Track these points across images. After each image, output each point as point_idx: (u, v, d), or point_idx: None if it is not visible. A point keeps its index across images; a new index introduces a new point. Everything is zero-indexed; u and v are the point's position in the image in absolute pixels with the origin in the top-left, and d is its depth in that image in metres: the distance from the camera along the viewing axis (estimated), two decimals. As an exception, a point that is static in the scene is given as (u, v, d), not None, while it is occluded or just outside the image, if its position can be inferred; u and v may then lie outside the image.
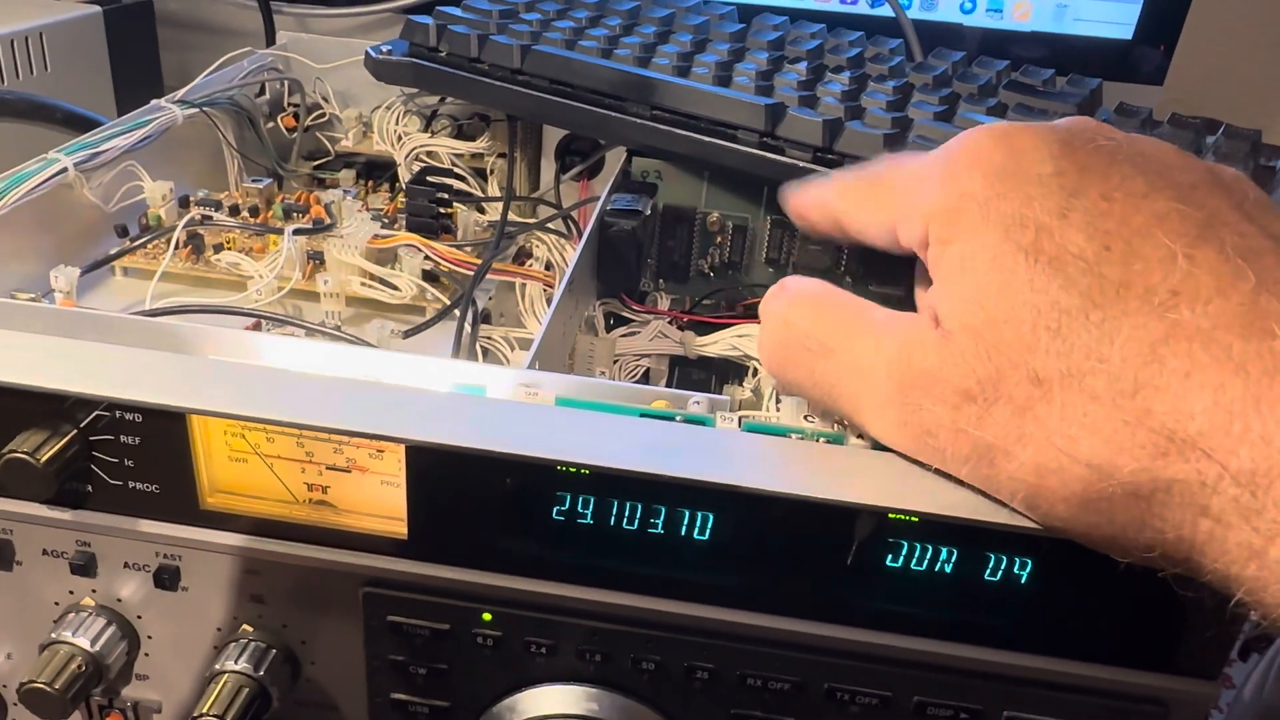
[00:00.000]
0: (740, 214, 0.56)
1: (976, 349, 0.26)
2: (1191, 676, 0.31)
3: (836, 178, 0.35)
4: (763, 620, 0.32)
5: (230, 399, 0.31)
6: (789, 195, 0.37)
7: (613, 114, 0.55)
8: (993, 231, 0.27)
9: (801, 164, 0.50)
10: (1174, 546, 0.25)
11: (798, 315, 0.32)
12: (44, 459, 0.30)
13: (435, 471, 0.31)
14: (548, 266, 0.57)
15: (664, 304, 0.54)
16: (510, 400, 0.33)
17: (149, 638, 0.36)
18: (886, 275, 0.55)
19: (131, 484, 0.32)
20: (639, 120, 0.54)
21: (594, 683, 0.33)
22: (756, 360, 0.48)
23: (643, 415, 0.32)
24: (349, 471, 0.32)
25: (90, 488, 0.33)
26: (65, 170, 0.49)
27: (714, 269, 0.57)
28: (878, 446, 0.31)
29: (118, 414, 0.31)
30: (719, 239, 0.56)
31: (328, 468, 0.32)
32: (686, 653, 0.32)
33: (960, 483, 0.29)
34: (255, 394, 0.31)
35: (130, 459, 0.32)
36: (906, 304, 0.53)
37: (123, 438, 0.32)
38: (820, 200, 0.35)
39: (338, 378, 0.32)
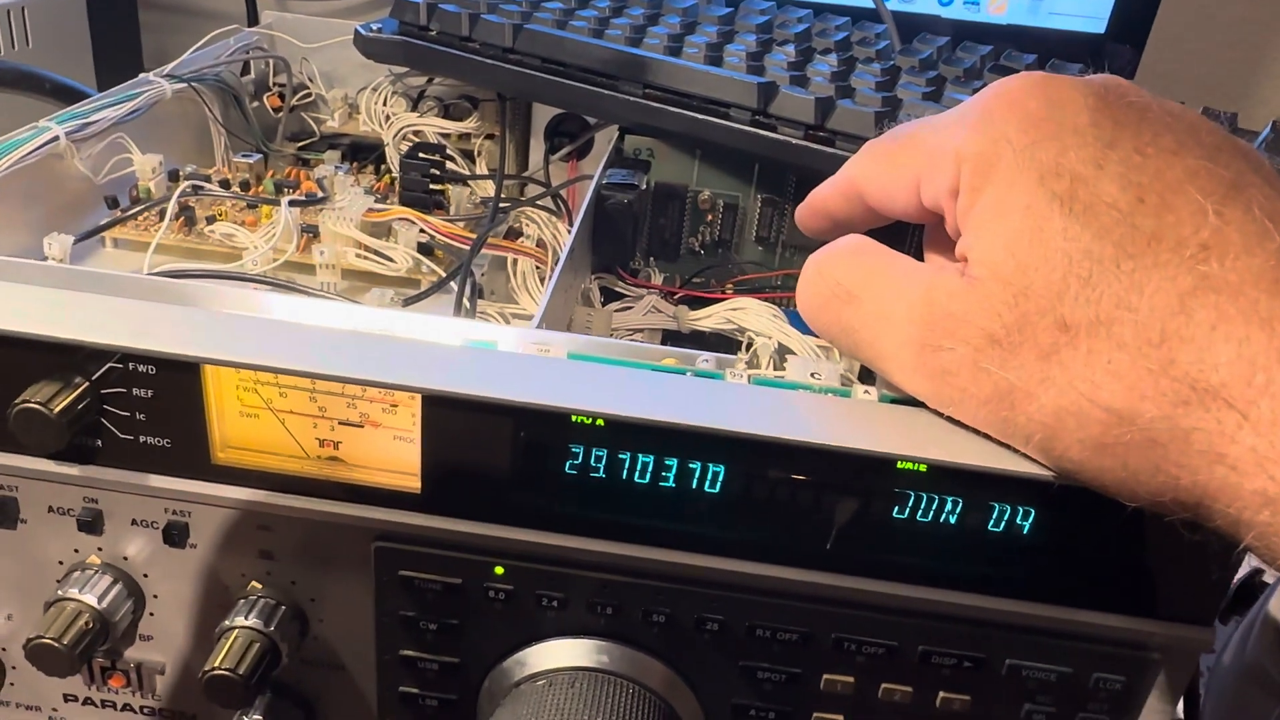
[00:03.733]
0: (731, 192, 0.57)
1: (1005, 294, 0.27)
2: (1185, 623, 0.32)
3: (854, 156, 0.35)
4: (771, 571, 0.32)
5: (245, 349, 0.31)
6: (803, 205, 0.37)
7: (606, 92, 0.55)
8: (1027, 179, 0.27)
9: (794, 141, 0.51)
10: (1187, 492, 0.26)
11: (830, 265, 0.33)
12: (57, 410, 0.30)
13: (450, 423, 0.31)
14: (539, 244, 0.57)
15: (657, 280, 0.55)
16: (524, 354, 0.33)
17: (155, 597, 0.35)
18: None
19: (142, 438, 0.32)
20: (632, 98, 0.55)
21: (604, 636, 0.34)
22: (752, 332, 0.48)
23: (654, 370, 0.33)
24: (362, 426, 0.32)
25: (100, 442, 0.33)
26: (56, 139, 0.49)
27: (704, 247, 0.58)
28: (899, 400, 0.31)
29: (131, 366, 0.31)
30: (710, 217, 0.57)
31: (340, 423, 0.33)
32: (696, 605, 0.33)
33: (968, 432, 0.30)
34: (270, 345, 0.31)
35: (142, 412, 0.32)
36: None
37: (135, 390, 0.31)
38: (840, 181, 0.35)
39: (352, 331, 0.32)
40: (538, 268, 0.55)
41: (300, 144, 0.70)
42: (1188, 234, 0.25)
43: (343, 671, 0.36)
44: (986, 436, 0.29)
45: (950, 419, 0.30)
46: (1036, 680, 0.33)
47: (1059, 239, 0.26)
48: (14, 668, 0.38)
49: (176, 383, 0.31)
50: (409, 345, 0.32)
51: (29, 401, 0.30)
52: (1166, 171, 0.26)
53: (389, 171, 0.65)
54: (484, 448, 0.31)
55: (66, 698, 0.38)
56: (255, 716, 0.36)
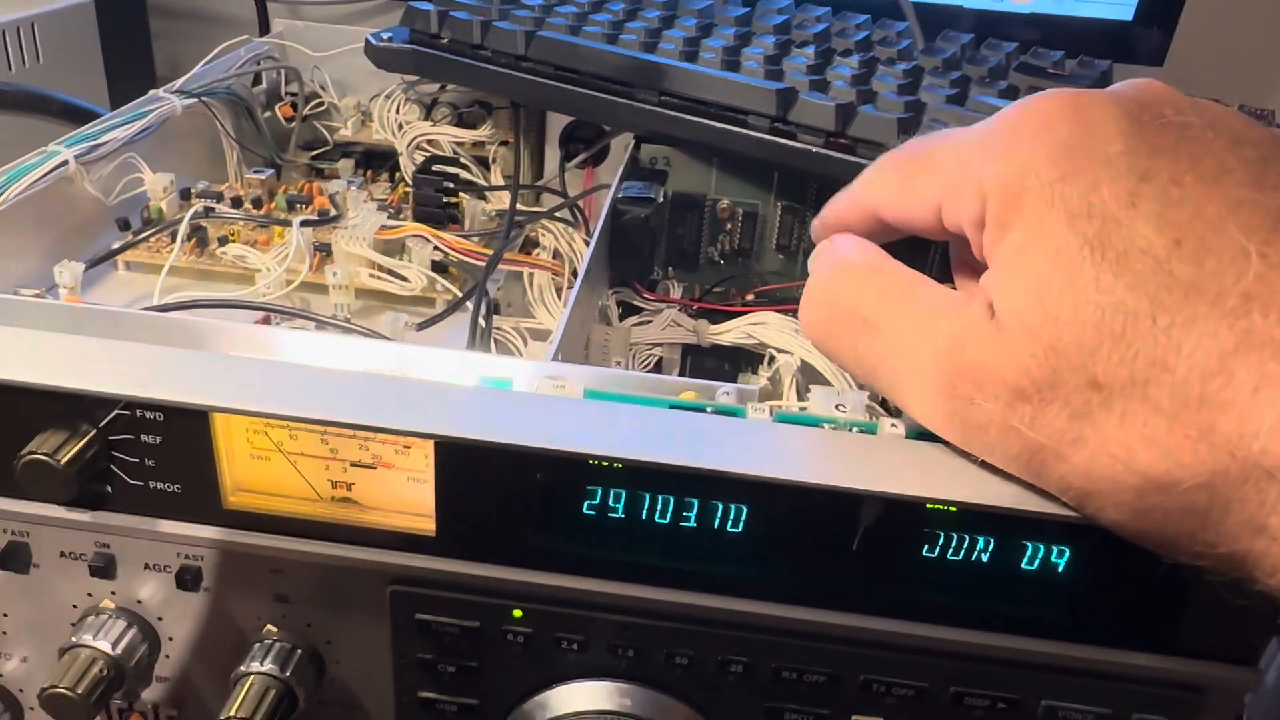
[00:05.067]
0: (750, 200, 0.55)
1: (1034, 348, 0.25)
2: (1228, 662, 0.31)
3: (867, 170, 0.34)
4: (797, 613, 0.31)
5: (253, 396, 0.30)
6: (818, 220, 0.35)
7: (620, 100, 0.54)
8: (1057, 220, 0.26)
9: (814, 149, 0.50)
10: (1225, 560, 0.25)
11: (843, 287, 0.31)
12: (64, 460, 0.30)
13: (464, 467, 0.30)
14: (555, 255, 0.56)
15: (675, 292, 0.54)
16: (539, 394, 0.32)
17: (170, 640, 0.35)
18: (900, 260, 0.55)
19: (152, 484, 0.32)
20: (647, 106, 0.53)
21: (626, 678, 0.33)
22: (772, 349, 0.47)
23: (673, 407, 0.32)
24: (374, 468, 0.32)
25: (110, 488, 0.32)
26: (66, 163, 0.48)
27: (724, 256, 0.57)
28: (921, 435, 0.30)
29: (138, 413, 0.30)
30: (729, 226, 0.56)
31: (353, 464, 0.32)
32: (720, 646, 0.32)
33: (1000, 472, 0.28)
34: (278, 390, 0.30)
35: (151, 459, 0.31)
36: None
37: (143, 437, 0.31)
38: (855, 199, 0.33)
39: (361, 372, 0.32)
40: (554, 280, 0.54)
41: (314, 153, 0.70)
42: (1229, 283, 0.23)
43: (361, 712, 0.36)
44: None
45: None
46: (1074, 721, 0.32)
47: (1091, 290, 0.25)
48: (31, 708, 0.37)
49: (185, 428, 0.31)
50: (421, 386, 0.31)
51: (35, 452, 0.30)
52: (1206, 205, 0.24)
53: (403, 180, 0.65)
54: (499, 491, 0.31)
55: (86, 737, 0.38)
56: (274, 759, 0.35)
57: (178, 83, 0.58)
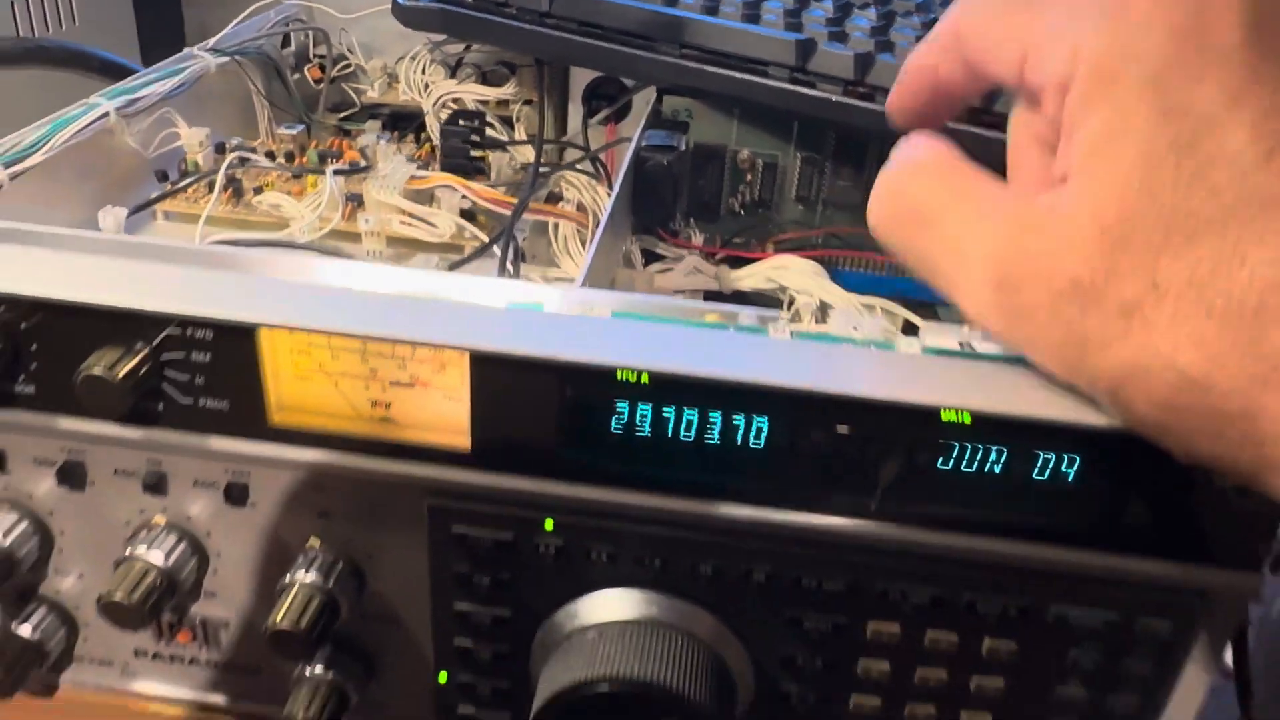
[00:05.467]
0: (770, 151, 0.57)
1: (1101, 241, 0.25)
2: (1231, 568, 0.32)
3: (960, 2, 0.31)
4: (816, 521, 0.33)
5: (298, 313, 0.32)
6: (903, 76, 0.34)
7: (643, 54, 0.55)
8: (1149, 111, 0.24)
9: (834, 98, 0.51)
10: (1248, 463, 0.25)
11: (908, 183, 0.31)
12: (120, 375, 0.31)
13: (498, 382, 0.32)
14: (579, 208, 0.58)
15: (697, 240, 0.55)
16: (569, 314, 0.33)
17: (218, 554, 0.37)
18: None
19: (201, 401, 0.33)
20: (669, 59, 0.55)
21: (653, 587, 0.34)
22: (794, 290, 0.49)
23: (697, 327, 0.33)
24: (412, 386, 0.33)
25: (161, 406, 0.34)
26: (107, 115, 0.50)
27: (744, 207, 0.58)
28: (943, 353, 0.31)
29: (189, 331, 0.32)
30: (749, 177, 0.57)
31: (391, 383, 0.33)
32: (743, 556, 0.33)
33: (1013, 381, 0.30)
34: (323, 308, 0.32)
35: (200, 376, 0.33)
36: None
37: (194, 355, 0.32)
38: (943, 31, 0.31)
39: (401, 294, 0.33)
40: (579, 231, 0.56)
41: (341, 115, 0.71)
42: None
43: (400, 625, 0.37)
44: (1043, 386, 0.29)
45: (991, 369, 0.30)
46: (1082, 627, 0.33)
47: (1169, 192, 0.24)
48: (87, 624, 0.39)
49: (233, 347, 0.32)
50: (457, 306, 0.33)
51: (93, 369, 0.31)
52: None
53: (429, 140, 0.66)
54: (532, 405, 0.32)
55: (137, 652, 0.40)
56: (318, 668, 0.37)
57: (211, 41, 0.60)
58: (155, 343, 0.32)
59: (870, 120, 0.50)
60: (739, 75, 0.53)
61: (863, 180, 0.56)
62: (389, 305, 0.32)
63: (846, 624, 0.34)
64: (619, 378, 0.31)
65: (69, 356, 0.32)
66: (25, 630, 0.38)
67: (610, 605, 0.34)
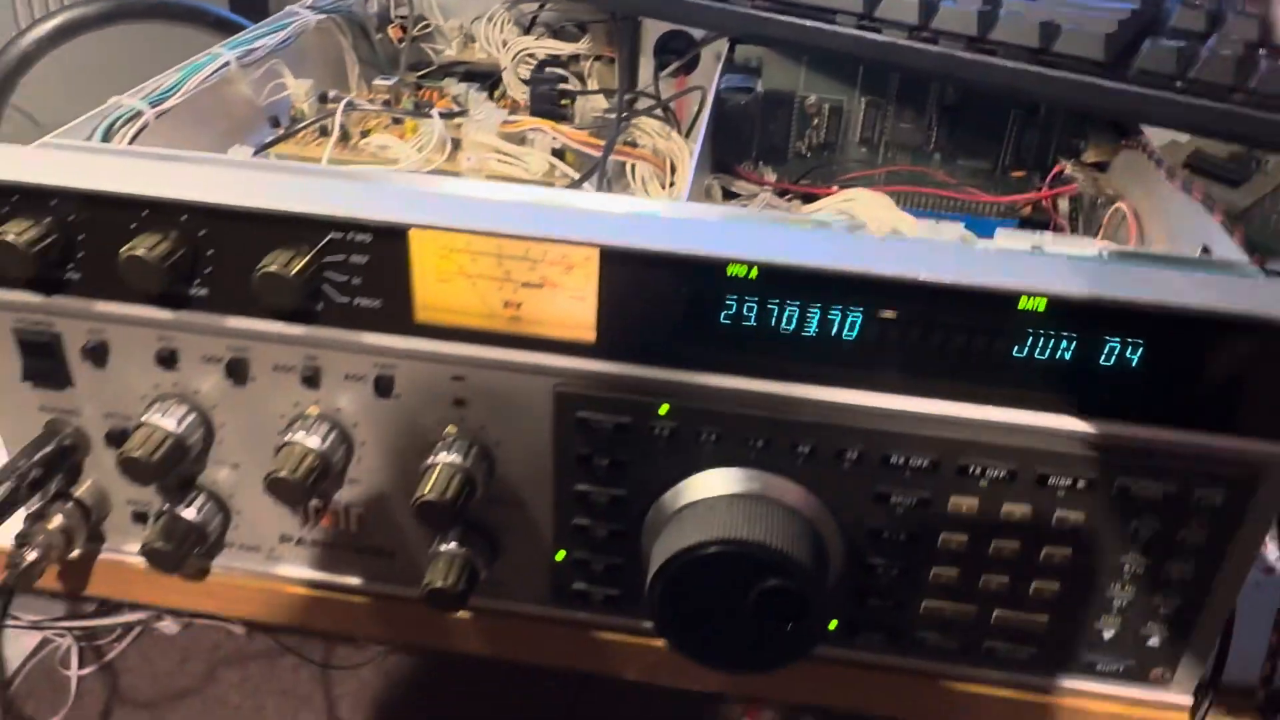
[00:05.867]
0: (836, 96, 0.60)
1: None
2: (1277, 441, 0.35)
3: None
4: (905, 404, 0.36)
5: (447, 215, 0.36)
6: None
7: (715, 5, 0.59)
8: None
9: (900, 42, 0.54)
10: None
11: None
12: (293, 272, 0.36)
13: (622, 278, 0.36)
14: (654, 153, 0.62)
15: (770, 178, 0.59)
16: (687, 216, 0.37)
17: (362, 444, 0.41)
18: (974, 150, 0.59)
19: (356, 300, 0.38)
20: (741, 9, 0.58)
21: (756, 466, 0.38)
22: (866, 220, 0.52)
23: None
24: (542, 288, 0.37)
25: (320, 305, 0.38)
26: (228, 64, 0.54)
27: (811, 150, 0.61)
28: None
29: (350, 235, 0.36)
30: (815, 121, 0.61)
31: (523, 285, 0.37)
32: (837, 437, 0.37)
33: (1084, 278, 0.33)
34: (468, 212, 0.36)
35: (357, 277, 0.37)
36: (992, 177, 0.58)
37: (352, 257, 0.37)
38: None
39: (536, 200, 0.37)
40: (657, 173, 0.59)
41: (420, 73, 0.75)
42: None
43: (523, 508, 0.41)
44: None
45: (1065, 265, 0.34)
46: (1144, 498, 0.37)
47: None
48: (239, 513, 0.44)
49: (387, 249, 0.37)
50: (586, 211, 0.37)
51: (270, 266, 0.36)
52: None
53: (504, 95, 0.70)
54: (651, 299, 0.36)
55: (282, 538, 0.44)
56: (452, 544, 0.41)
57: (308, 0, 0.64)
58: (320, 246, 0.37)
59: (934, 63, 0.54)
60: (808, 23, 0.56)
61: (924, 121, 0.59)
62: (525, 209, 0.37)
63: (929, 498, 0.38)
64: (730, 273, 0.35)
65: (242, 260, 0.37)
66: (189, 514, 0.42)
67: (717, 482, 0.39)
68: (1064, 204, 0.54)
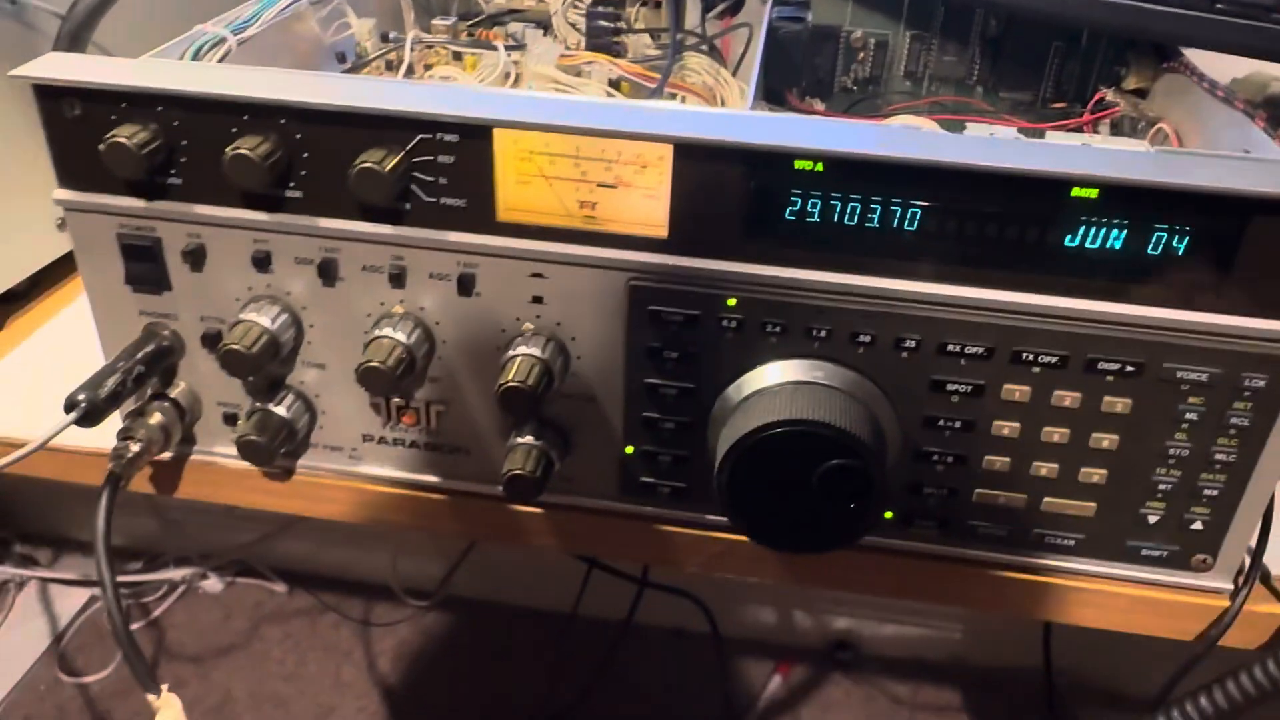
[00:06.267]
0: (881, 31, 0.62)
1: None
2: (1322, 325, 0.37)
3: None
4: (960, 291, 0.39)
5: (530, 114, 0.38)
6: None
7: (765, -58, 0.61)
8: None
9: (945, -29, 0.56)
10: None
11: None
12: (388, 168, 0.38)
13: (695, 174, 0.38)
14: (704, 87, 0.64)
15: (819, 108, 0.61)
16: (756, 113, 0.40)
17: (443, 342, 0.43)
18: (1016, 82, 0.61)
19: (443, 200, 0.40)
20: (790, -54, 0.60)
21: (819, 357, 0.40)
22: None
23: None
24: (616, 188, 0.40)
25: (408, 205, 0.40)
26: (299, 0, 0.57)
27: (857, 83, 0.63)
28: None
29: (437, 136, 0.39)
30: (861, 55, 0.63)
31: (599, 185, 0.40)
32: (896, 325, 0.39)
33: (1136, 165, 0.35)
34: (548, 111, 0.38)
35: (444, 177, 0.40)
36: (1034, 109, 0.59)
37: (440, 157, 0.39)
38: None
39: (614, 101, 0.39)
40: (706, 106, 0.61)
41: (470, 22, 0.78)
42: None
43: (595, 403, 0.44)
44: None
45: (1115, 154, 0.36)
46: (1190, 382, 0.39)
47: None
48: (324, 413, 0.46)
49: (472, 150, 0.39)
50: (659, 109, 0.39)
51: (366, 163, 0.38)
52: None
53: (555, 39, 0.72)
54: (722, 195, 0.38)
55: (364, 437, 0.47)
56: (529, 437, 0.44)
57: (368, -55, 0.67)
58: (410, 145, 0.39)
59: (978, -8, 0.55)
60: (856, -44, 0.58)
61: (968, 54, 0.61)
62: (602, 108, 0.39)
63: (983, 385, 0.40)
64: (797, 166, 0.37)
65: (335, 161, 0.39)
66: (280, 410, 0.45)
67: (782, 373, 0.41)
68: (1105, 129, 0.56)
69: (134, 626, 1.40)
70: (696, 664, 1.34)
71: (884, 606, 1.36)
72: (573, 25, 0.69)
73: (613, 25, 0.62)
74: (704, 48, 0.66)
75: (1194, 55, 0.54)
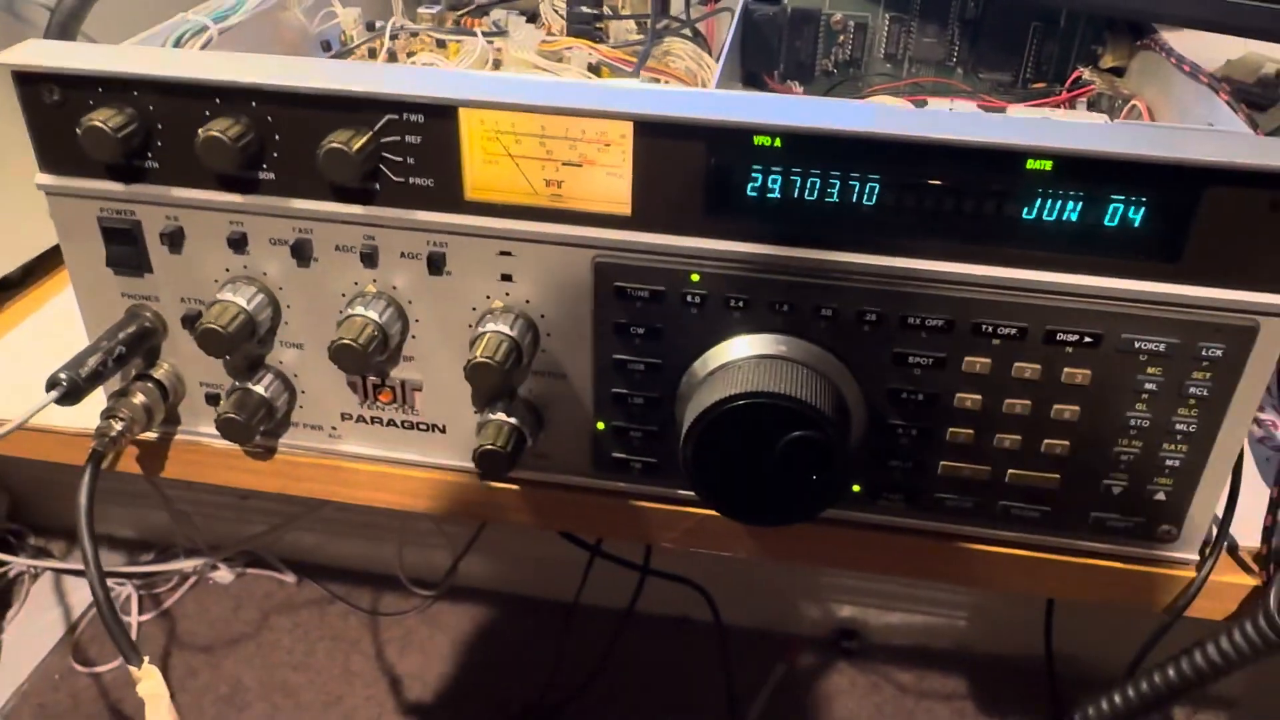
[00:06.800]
0: (861, 13, 0.62)
1: None
2: (1276, 291, 0.38)
3: None
4: (919, 264, 0.39)
5: (495, 94, 0.39)
6: None
7: (744, -74, 0.61)
8: None
9: (920, -47, 0.56)
10: None
11: None
12: (355, 149, 0.39)
13: (656, 152, 0.39)
14: (686, 71, 0.64)
15: (798, 90, 0.61)
16: (716, 90, 0.40)
17: (416, 321, 0.44)
18: (996, 62, 0.61)
19: (411, 180, 0.41)
20: (769, -70, 0.60)
21: (782, 331, 0.41)
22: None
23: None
24: (580, 166, 0.40)
25: (378, 185, 0.41)
26: (283, -11, 0.58)
27: (837, 66, 0.64)
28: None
29: (405, 116, 0.39)
30: (841, 38, 0.63)
31: (564, 164, 0.40)
32: (858, 299, 0.40)
33: (1094, 133, 0.36)
34: (513, 90, 0.39)
35: (411, 157, 0.40)
36: (1013, 89, 0.60)
37: (407, 138, 0.40)
38: None
39: (578, 80, 0.40)
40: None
41: (459, 12, 0.78)
42: None
43: (565, 380, 0.45)
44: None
45: (1071, 125, 0.36)
46: (1148, 352, 0.39)
47: None
48: (303, 392, 0.47)
49: (439, 129, 0.40)
50: (621, 88, 0.40)
51: (333, 143, 0.39)
52: None
53: (541, 24, 0.73)
54: (683, 171, 0.39)
55: (343, 416, 0.48)
56: (500, 414, 0.44)
57: (355, -65, 0.68)
58: (378, 126, 0.40)
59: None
60: (833, -60, 0.59)
61: (947, 35, 0.61)
62: (566, 88, 0.39)
63: (944, 358, 0.41)
64: (756, 142, 0.38)
65: (306, 142, 0.40)
66: (259, 389, 0.46)
67: (746, 347, 0.41)
68: (1083, 108, 0.56)
69: (146, 617, 1.42)
70: (700, 652, 1.35)
71: (888, 594, 1.37)
72: (558, 13, 0.70)
73: (594, 11, 0.63)
74: (687, 32, 0.66)
75: (1170, 35, 0.54)
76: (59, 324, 0.59)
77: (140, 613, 1.44)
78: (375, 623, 1.44)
